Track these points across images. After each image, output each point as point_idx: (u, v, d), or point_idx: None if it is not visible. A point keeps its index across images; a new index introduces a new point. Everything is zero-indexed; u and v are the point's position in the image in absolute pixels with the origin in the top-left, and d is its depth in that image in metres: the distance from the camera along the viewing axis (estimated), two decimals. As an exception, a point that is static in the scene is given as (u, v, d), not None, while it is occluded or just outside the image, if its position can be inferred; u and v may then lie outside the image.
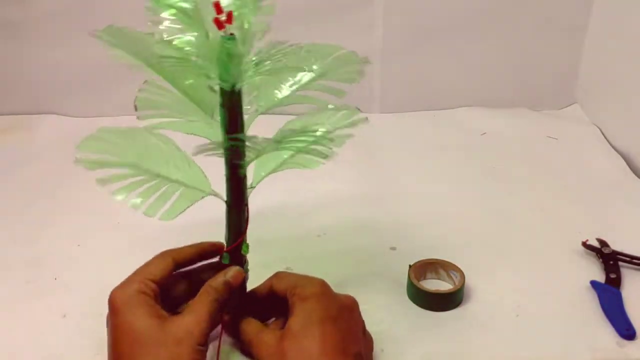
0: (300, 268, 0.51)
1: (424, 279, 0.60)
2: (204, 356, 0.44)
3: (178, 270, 0.49)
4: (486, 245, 0.65)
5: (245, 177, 0.48)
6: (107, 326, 0.46)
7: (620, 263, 0.61)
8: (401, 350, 0.52)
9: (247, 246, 0.50)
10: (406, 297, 0.58)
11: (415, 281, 0.57)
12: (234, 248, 0.49)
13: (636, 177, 0.78)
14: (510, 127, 0.91)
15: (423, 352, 0.52)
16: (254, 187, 0.50)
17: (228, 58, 0.41)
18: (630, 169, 0.80)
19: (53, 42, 0.90)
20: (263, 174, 0.51)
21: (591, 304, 0.56)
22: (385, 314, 0.55)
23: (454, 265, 0.58)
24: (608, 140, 0.87)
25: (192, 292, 0.48)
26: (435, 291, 0.56)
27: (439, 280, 0.60)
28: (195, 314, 0.44)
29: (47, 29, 0.89)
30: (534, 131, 0.90)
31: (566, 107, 0.98)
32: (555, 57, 0.95)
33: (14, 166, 0.82)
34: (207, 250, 0.50)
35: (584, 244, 0.63)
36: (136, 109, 0.47)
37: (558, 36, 0.94)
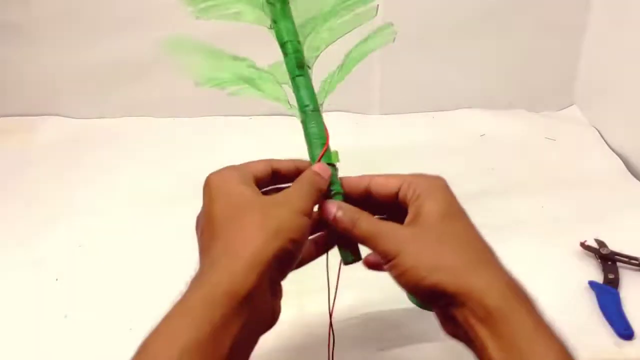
0: (300, 268, 0.51)
1: (423, 279, 0.60)
2: (307, 224, 0.40)
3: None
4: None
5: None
6: (201, 210, 0.42)
7: (618, 263, 0.61)
8: (401, 350, 0.52)
9: (337, 153, 0.46)
10: (405, 298, 0.58)
11: (414, 281, 0.57)
12: (323, 157, 0.46)
13: (634, 178, 0.79)
14: (509, 129, 0.92)
15: (423, 352, 0.52)
16: (310, 67, 0.49)
17: None
18: (628, 169, 0.80)
19: (54, 44, 0.90)
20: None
21: (589, 304, 0.57)
22: (385, 314, 0.55)
23: (453, 266, 0.58)
24: (606, 142, 0.88)
25: None
26: (435, 291, 0.56)
27: (438, 281, 0.60)
28: (293, 190, 0.42)
29: (49, 31, 0.90)
30: (533, 132, 0.91)
31: (564, 108, 0.99)
32: (554, 58, 0.96)
33: (16, 167, 0.83)
34: (304, 167, 0.45)
35: (582, 245, 0.63)
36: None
37: (556, 38, 0.94)
